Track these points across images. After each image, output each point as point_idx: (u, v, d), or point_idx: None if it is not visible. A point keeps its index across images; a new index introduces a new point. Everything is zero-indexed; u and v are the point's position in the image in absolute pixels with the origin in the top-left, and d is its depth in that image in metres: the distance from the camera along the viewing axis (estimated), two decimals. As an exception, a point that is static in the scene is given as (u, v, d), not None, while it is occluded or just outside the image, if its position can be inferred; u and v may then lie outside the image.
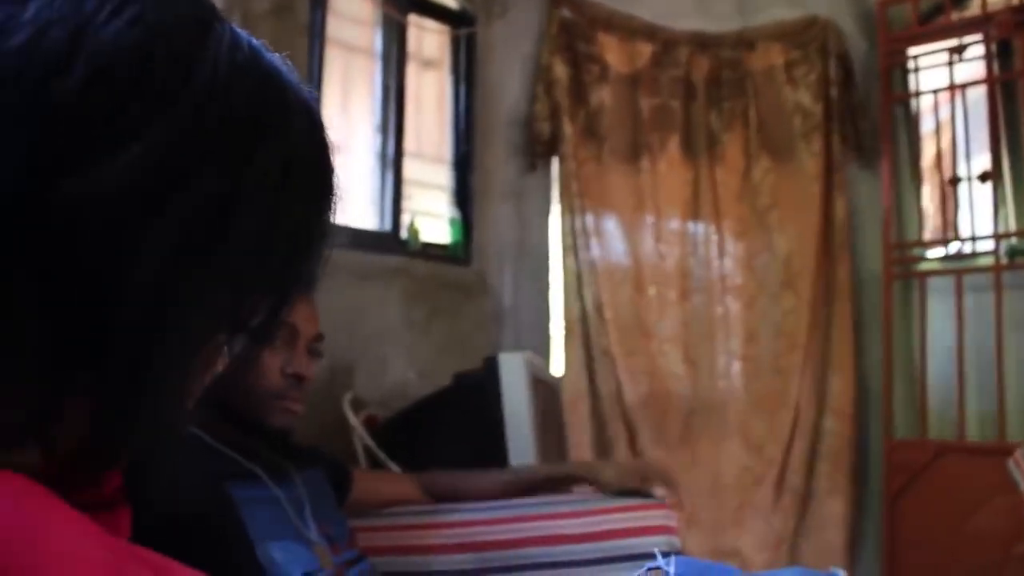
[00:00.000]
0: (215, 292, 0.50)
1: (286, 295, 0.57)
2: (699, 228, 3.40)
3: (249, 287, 0.53)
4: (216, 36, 0.50)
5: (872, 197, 3.41)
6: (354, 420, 2.46)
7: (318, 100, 0.58)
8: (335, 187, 0.58)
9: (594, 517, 1.72)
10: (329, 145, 0.58)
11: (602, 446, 3.13)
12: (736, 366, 3.34)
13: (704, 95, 3.42)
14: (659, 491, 1.80)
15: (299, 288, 0.58)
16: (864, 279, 3.40)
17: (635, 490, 1.79)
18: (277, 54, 0.56)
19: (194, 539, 1.24)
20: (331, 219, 0.58)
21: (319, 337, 1.51)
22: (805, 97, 3.47)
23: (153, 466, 0.57)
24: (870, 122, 3.43)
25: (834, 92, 3.43)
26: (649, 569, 0.96)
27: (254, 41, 0.54)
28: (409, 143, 3.07)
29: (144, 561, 0.51)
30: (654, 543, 1.67)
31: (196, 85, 0.48)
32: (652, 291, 3.31)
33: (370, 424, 2.53)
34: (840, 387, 3.32)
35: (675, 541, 1.66)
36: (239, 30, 0.54)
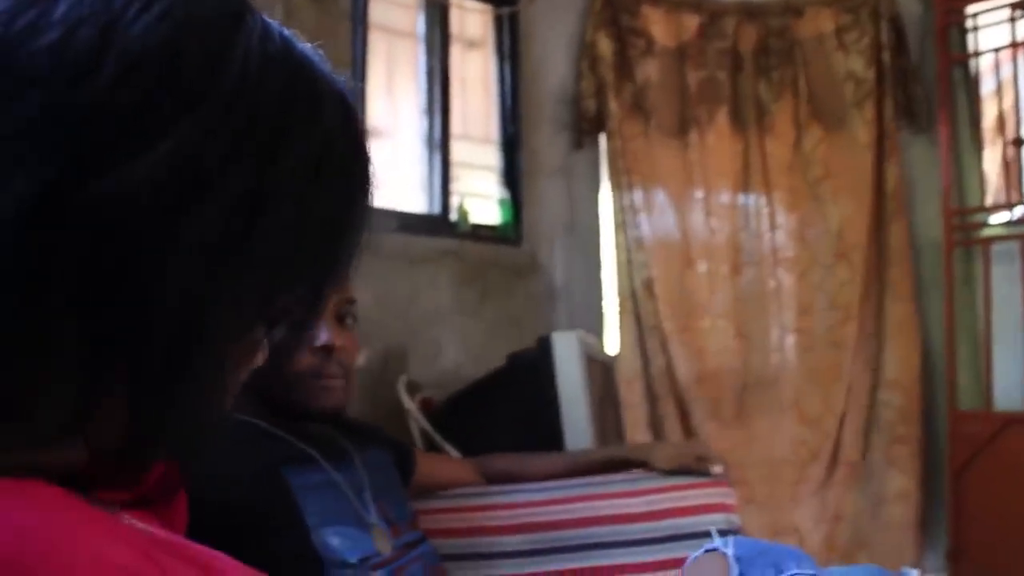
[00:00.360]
0: (249, 286, 0.50)
1: (323, 286, 0.57)
2: (750, 201, 3.36)
3: (285, 280, 0.53)
4: (247, 29, 0.50)
5: (928, 163, 3.33)
6: (409, 403, 2.47)
7: (352, 89, 0.57)
8: (370, 176, 0.58)
9: (652, 496, 1.71)
10: (364, 134, 0.58)
11: (656, 425, 3.11)
12: (790, 339, 3.30)
13: (752, 65, 3.37)
14: (716, 468, 1.76)
15: (335, 278, 0.57)
16: (921, 247, 3.33)
17: (690, 470, 1.76)
18: (309, 44, 0.55)
19: (245, 528, 1.25)
20: (367, 208, 0.58)
21: (349, 301, 1.43)
22: (857, 63, 3.39)
23: (200, 457, 0.57)
24: (925, 86, 3.34)
25: (886, 57, 3.35)
26: (707, 550, 0.95)
27: (286, 32, 0.53)
28: (455, 125, 3.06)
29: (188, 557, 0.51)
30: (712, 521, 1.66)
31: (226, 80, 0.47)
32: (703, 266, 3.29)
33: (426, 407, 2.54)
34: (900, 358, 3.27)
35: (734, 519, 1.65)
36: (271, 20, 0.53)
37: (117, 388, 0.48)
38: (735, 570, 0.91)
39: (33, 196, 0.43)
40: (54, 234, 0.44)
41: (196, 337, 0.48)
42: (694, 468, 1.76)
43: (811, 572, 0.91)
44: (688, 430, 3.15)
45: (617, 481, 1.76)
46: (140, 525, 0.57)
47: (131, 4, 0.47)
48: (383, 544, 1.39)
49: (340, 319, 1.42)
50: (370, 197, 0.58)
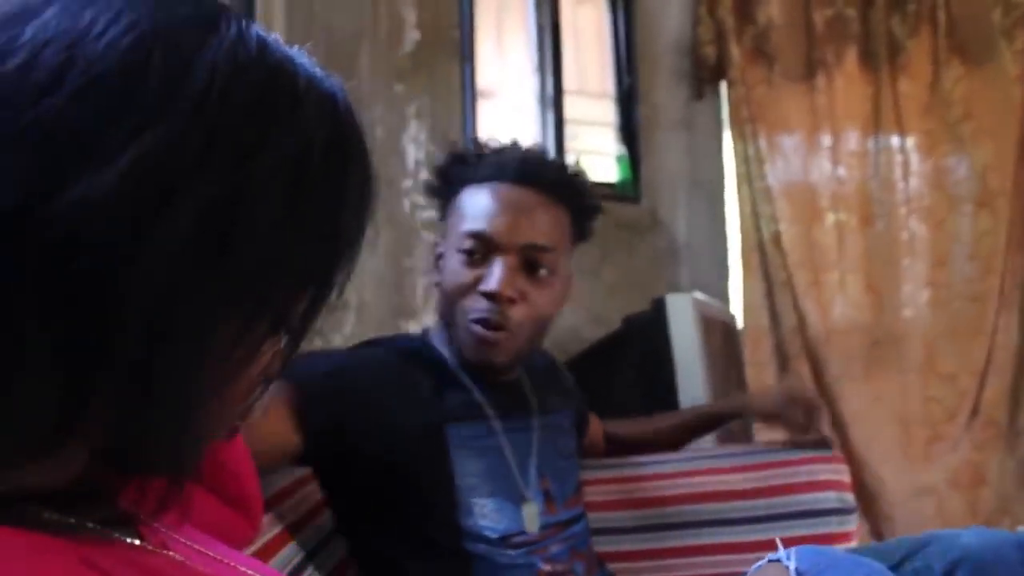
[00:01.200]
0: (231, 291, 0.50)
1: (325, 287, 0.57)
2: (881, 146, 3.15)
3: (277, 282, 0.52)
4: (219, 36, 0.50)
5: (1088, 95, 3.05)
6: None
7: (345, 89, 0.56)
8: (366, 175, 0.57)
9: (761, 472, 1.65)
10: (357, 132, 0.56)
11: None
12: (923, 294, 3.11)
13: (884, -1, 3.14)
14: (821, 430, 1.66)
15: (337, 277, 0.57)
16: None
17: (812, 441, 1.66)
18: (295, 47, 0.55)
19: (398, 485, 1.26)
20: (363, 209, 0.57)
21: (535, 248, 1.31)
22: (1007, -14, 3.12)
23: (188, 474, 0.56)
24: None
25: (1044, -25, 3.07)
26: (770, 560, 0.89)
27: (266, 36, 0.53)
28: (569, 81, 3.00)
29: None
30: (824, 499, 1.59)
31: (190, 91, 0.47)
32: (831, 218, 3.12)
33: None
34: None
35: (846, 497, 1.57)
36: (252, 25, 0.53)
37: (95, 399, 0.48)
38: (795, 586, 0.86)
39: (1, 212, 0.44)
40: (23, 247, 0.44)
41: (167, 342, 0.48)
42: (815, 441, 1.66)
43: (884, 589, 0.85)
44: (821, 388, 3.02)
45: (724, 455, 1.71)
46: (163, 550, 0.57)
47: (99, 18, 0.47)
48: (531, 522, 1.34)
49: (525, 267, 1.31)
50: (366, 196, 0.57)
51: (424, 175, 2.43)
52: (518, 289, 1.29)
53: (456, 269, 1.32)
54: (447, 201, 1.40)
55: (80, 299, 0.45)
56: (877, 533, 2.85)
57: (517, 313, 1.30)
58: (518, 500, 1.33)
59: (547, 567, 1.31)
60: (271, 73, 0.51)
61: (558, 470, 1.41)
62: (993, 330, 3.05)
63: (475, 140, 1.44)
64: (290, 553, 1.19)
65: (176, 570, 0.56)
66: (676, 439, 1.74)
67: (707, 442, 1.81)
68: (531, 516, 1.34)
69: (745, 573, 0.92)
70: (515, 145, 1.39)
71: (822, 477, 1.60)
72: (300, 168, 0.51)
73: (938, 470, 3.03)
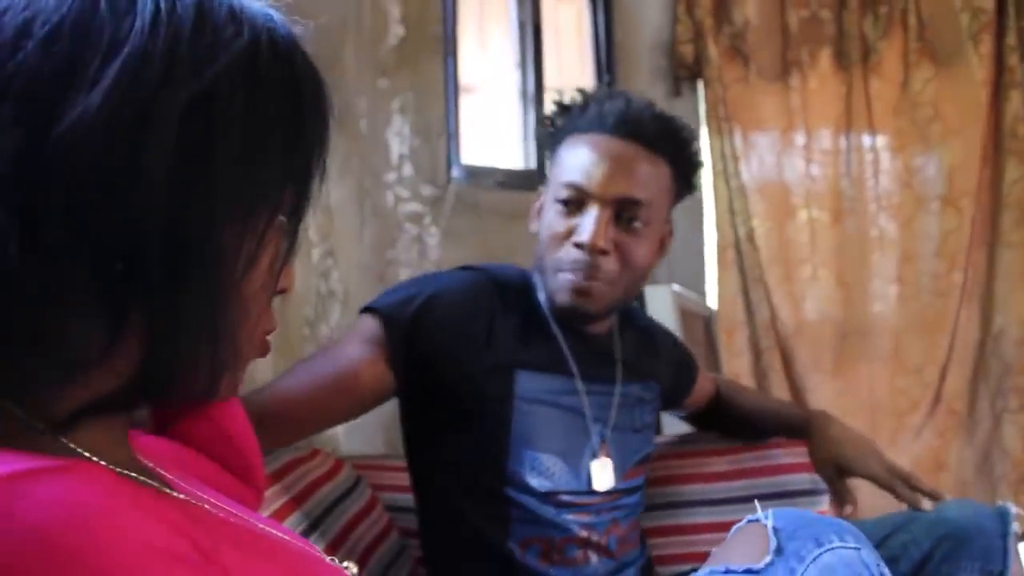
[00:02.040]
0: (224, 189, 0.55)
1: (304, 182, 0.62)
2: (852, 145, 3.23)
3: (260, 175, 0.58)
4: None
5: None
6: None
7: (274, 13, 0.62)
8: (312, 70, 0.62)
9: (736, 455, 1.71)
10: (294, 36, 0.62)
11: (760, 376, 3.07)
12: (891, 289, 3.20)
13: (857, 1, 3.22)
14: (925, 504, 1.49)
15: (312, 171, 0.63)
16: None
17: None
18: None
19: (459, 418, 1.29)
20: (320, 100, 0.62)
21: (625, 201, 1.29)
22: (974, -8, 3.21)
23: (217, 392, 0.61)
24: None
25: (1010, -17, 3.16)
26: (749, 521, 0.96)
27: None
28: (550, 77, 3.05)
29: (235, 539, 0.56)
30: (798, 481, 1.65)
31: (143, 13, 0.53)
32: (803, 214, 3.20)
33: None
34: (1011, 309, 3.13)
35: (818, 478, 1.63)
36: None
37: (133, 314, 0.53)
38: (774, 542, 0.92)
39: (6, 155, 0.50)
40: (34, 184, 0.50)
41: (185, 254, 0.54)
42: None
43: (853, 545, 0.91)
44: (791, 380, 3.11)
45: (704, 439, 1.77)
46: (195, 500, 0.62)
47: None
48: (599, 479, 1.34)
49: (619, 219, 1.30)
50: (319, 92, 0.62)
51: (407, 168, 2.47)
52: (611, 240, 1.29)
53: (552, 219, 1.32)
54: (552, 151, 1.39)
55: (97, 218, 0.51)
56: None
57: (609, 264, 1.29)
58: (583, 457, 1.34)
59: (583, 532, 1.32)
60: None
61: (625, 441, 1.41)
62: (955, 324, 3.14)
63: (581, 90, 1.40)
64: (295, 522, 1.24)
65: (235, 530, 0.61)
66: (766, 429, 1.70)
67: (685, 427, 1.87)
68: (601, 473, 1.34)
69: (727, 534, 0.98)
70: (620, 95, 1.37)
71: (796, 460, 1.66)
72: (254, 64, 0.57)
73: (902, 456, 3.09)
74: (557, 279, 1.31)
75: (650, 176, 1.32)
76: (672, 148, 1.35)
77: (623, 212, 1.30)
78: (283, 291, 0.65)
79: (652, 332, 1.59)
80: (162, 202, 0.52)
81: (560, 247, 1.31)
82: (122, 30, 0.52)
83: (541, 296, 1.38)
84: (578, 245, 1.28)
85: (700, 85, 3.24)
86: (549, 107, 1.43)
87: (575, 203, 1.30)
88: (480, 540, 1.30)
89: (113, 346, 0.53)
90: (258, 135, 0.57)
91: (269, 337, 0.65)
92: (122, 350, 0.54)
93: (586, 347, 1.38)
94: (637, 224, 1.31)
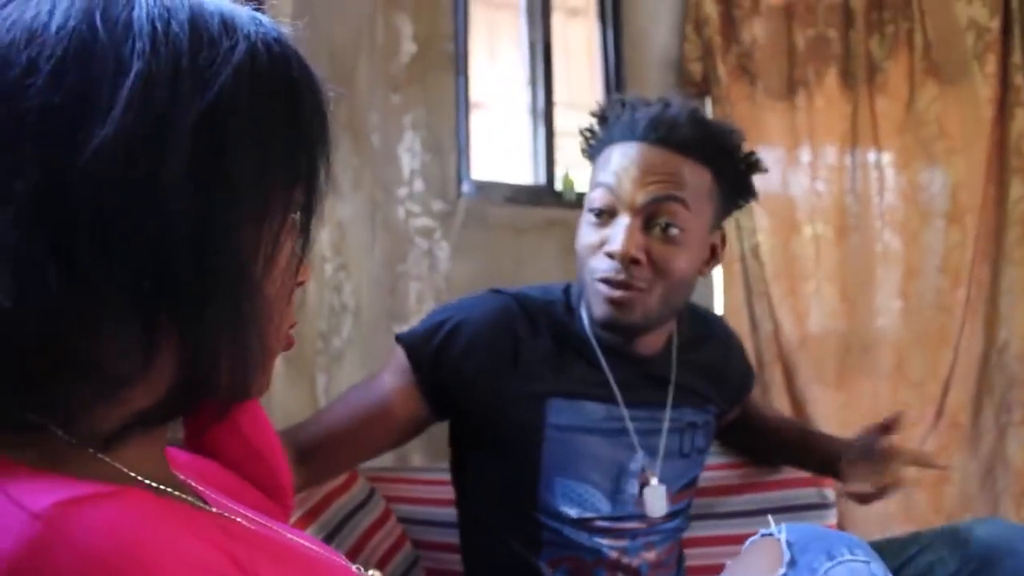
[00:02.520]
0: (240, 192, 0.57)
1: (312, 178, 0.64)
2: (858, 162, 3.26)
3: (272, 176, 0.60)
4: None
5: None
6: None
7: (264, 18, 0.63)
8: (308, 70, 0.64)
9: (748, 468, 1.72)
10: (287, 46, 0.63)
11: (763, 389, 3.10)
12: (895, 303, 3.23)
13: (864, 21, 3.25)
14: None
15: (317, 173, 0.64)
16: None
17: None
18: None
19: (491, 448, 1.29)
20: (319, 100, 0.64)
21: (655, 203, 1.24)
22: (980, 12, 3.24)
23: (251, 392, 0.64)
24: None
25: (1015, 2, 3.19)
26: (763, 535, 0.98)
27: None
28: (560, 94, 3.08)
29: (271, 552, 0.58)
30: (805, 495, 1.67)
31: (141, 35, 0.55)
32: (808, 230, 3.23)
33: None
34: (1016, 324, 3.17)
35: (826, 492, 1.65)
36: None
37: (165, 327, 0.56)
38: (787, 555, 0.94)
39: (31, 190, 0.52)
40: (63, 215, 0.52)
41: (210, 258, 0.56)
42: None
43: (863, 558, 0.93)
44: (792, 392, 3.14)
45: (713, 453, 1.78)
46: (229, 515, 0.64)
47: (41, 10, 0.55)
48: (654, 506, 1.31)
49: (654, 226, 1.27)
50: (317, 90, 0.64)
51: (418, 184, 2.50)
52: (642, 249, 1.25)
53: (585, 231, 1.31)
54: (592, 161, 1.37)
55: (124, 237, 0.53)
56: (842, 527, 2.95)
57: (642, 273, 1.26)
58: (627, 484, 1.31)
59: (614, 555, 1.31)
60: (196, 7, 0.59)
61: (672, 466, 1.38)
62: (959, 339, 3.16)
63: (618, 99, 1.37)
64: (311, 534, 1.26)
65: (270, 543, 0.63)
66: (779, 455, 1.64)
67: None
68: (654, 499, 1.31)
69: (741, 549, 1.01)
70: (658, 102, 1.33)
71: (804, 474, 1.68)
72: (254, 71, 0.59)
73: (904, 470, 3.11)
74: (593, 291, 1.29)
75: (685, 179, 1.27)
76: (711, 151, 1.30)
77: (656, 219, 1.26)
78: (302, 283, 0.67)
79: (727, 350, 1.53)
80: (184, 216, 0.54)
81: (593, 258, 1.29)
82: (124, 54, 0.54)
83: (584, 317, 1.35)
84: (609, 255, 1.26)
85: (708, 103, 3.26)
86: (588, 119, 1.39)
87: (607, 213, 1.27)
88: (513, 555, 1.32)
89: (150, 361, 0.56)
90: (265, 138, 0.59)
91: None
92: (158, 364, 0.56)
93: (632, 370, 1.35)
94: (674, 231, 1.26)
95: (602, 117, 1.37)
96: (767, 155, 3.24)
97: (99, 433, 0.56)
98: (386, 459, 2.05)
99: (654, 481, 1.33)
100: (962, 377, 3.16)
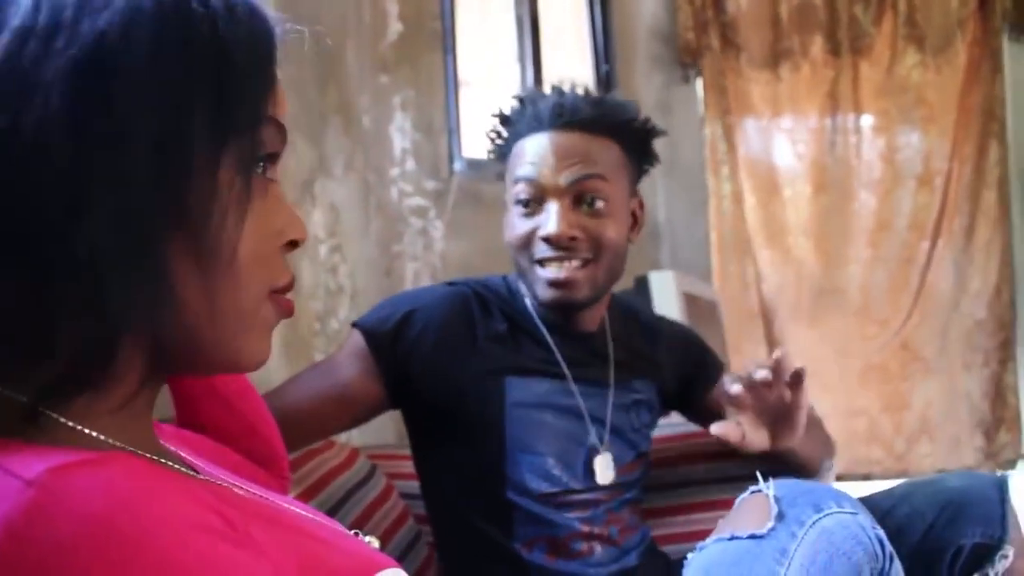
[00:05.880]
0: (139, 154, 0.53)
1: (253, 137, 0.59)
2: (838, 127, 3.35)
3: (187, 142, 0.55)
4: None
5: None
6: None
7: None
8: (242, 25, 0.59)
9: (700, 439, 1.71)
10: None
11: (744, 333, 3.28)
12: (865, 253, 3.49)
13: (849, -14, 3.28)
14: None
15: (259, 126, 0.59)
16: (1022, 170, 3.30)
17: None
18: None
19: (452, 431, 1.32)
20: (255, 46, 0.59)
21: (579, 182, 1.29)
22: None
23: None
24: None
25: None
26: (752, 492, 0.99)
27: None
28: (549, 69, 3.08)
29: (259, 514, 0.59)
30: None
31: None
32: (788, 191, 3.42)
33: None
34: (983, 277, 3.42)
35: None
36: None
37: (111, 302, 0.53)
38: (775, 509, 0.96)
39: None
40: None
41: (103, 214, 0.52)
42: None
43: (850, 510, 0.95)
44: (772, 332, 3.38)
45: (666, 424, 1.77)
46: (220, 482, 0.65)
47: None
48: (604, 474, 1.35)
49: (580, 204, 1.31)
50: (250, 31, 0.59)
51: (410, 163, 2.51)
52: (576, 226, 1.30)
53: (515, 222, 1.33)
54: (503, 161, 1.41)
55: (22, 219, 0.51)
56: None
57: (581, 250, 1.30)
58: (582, 456, 1.35)
59: (584, 528, 1.35)
60: None
61: (622, 440, 1.42)
62: (920, 284, 3.44)
63: (516, 96, 1.40)
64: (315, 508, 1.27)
65: (259, 506, 0.64)
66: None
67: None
68: (604, 468, 1.36)
69: (727, 511, 1.02)
70: (553, 91, 1.37)
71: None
72: (156, 21, 0.54)
73: (871, 397, 3.45)
74: (535, 277, 1.33)
75: (598, 156, 1.32)
76: (614, 125, 1.35)
77: (582, 197, 1.31)
78: (295, 243, 0.63)
79: (656, 329, 1.58)
80: (61, 174, 0.51)
81: (530, 246, 1.32)
82: (6, 16, 0.52)
83: (527, 301, 1.40)
84: (546, 239, 1.30)
85: (697, 73, 3.28)
86: (489, 124, 1.44)
87: (534, 201, 1.32)
88: (487, 541, 1.34)
89: (114, 339, 0.54)
90: (171, 88, 0.54)
91: (280, 333, 0.65)
92: (126, 341, 0.55)
93: (577, 348, 1.40)
94: (600, 204, 1.31)
95: (504, 117, 1.40)
96: (754, 123, 3.28)
97: (86, 412, 0.55)
98: (387, 436, 2.08)
99: (603, 451, 1.38)
100: (926, 317, 3.45)
